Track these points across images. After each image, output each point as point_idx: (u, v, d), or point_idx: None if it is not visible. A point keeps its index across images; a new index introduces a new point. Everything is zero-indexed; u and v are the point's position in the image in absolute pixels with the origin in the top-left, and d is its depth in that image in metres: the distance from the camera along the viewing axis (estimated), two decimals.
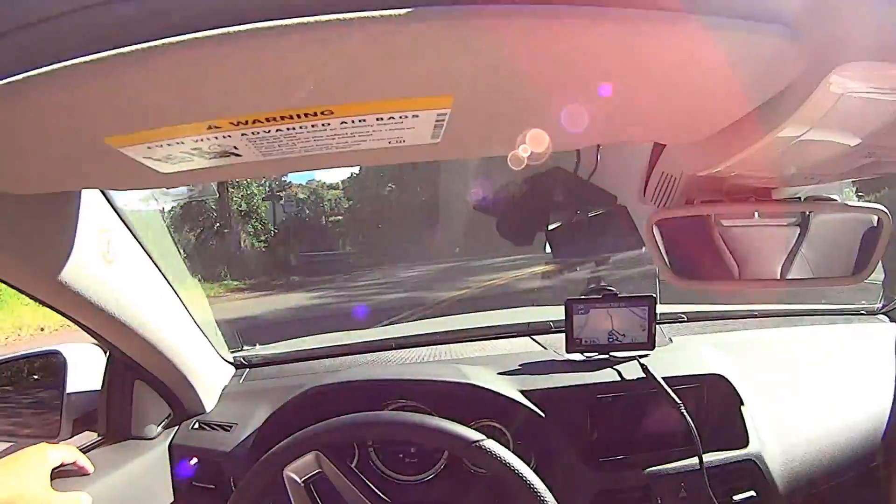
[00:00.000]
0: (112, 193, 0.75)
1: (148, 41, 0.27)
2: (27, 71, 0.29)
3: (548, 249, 0.72)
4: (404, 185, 16.00)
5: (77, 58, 0.28)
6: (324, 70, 0.30)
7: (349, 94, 0.33)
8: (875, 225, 0.64)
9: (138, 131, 0.36)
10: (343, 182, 17.17)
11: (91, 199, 0.69)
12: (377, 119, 0.36)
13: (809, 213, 0.64)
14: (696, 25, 0.31)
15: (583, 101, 0.40)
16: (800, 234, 0.65)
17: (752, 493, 0.93)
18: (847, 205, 0.62)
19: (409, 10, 0.27)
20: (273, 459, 0.80)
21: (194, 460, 0.94)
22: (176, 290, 0.93)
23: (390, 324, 2.26)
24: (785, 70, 0.36)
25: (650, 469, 0.94)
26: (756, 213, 0.64)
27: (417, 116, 0.37)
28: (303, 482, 0.81)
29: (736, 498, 0.92)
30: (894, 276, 1.17)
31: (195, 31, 0.27)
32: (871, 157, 0.53)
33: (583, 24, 0.30)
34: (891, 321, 1.24)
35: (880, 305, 1.28)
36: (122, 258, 0.76)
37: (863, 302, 1.31)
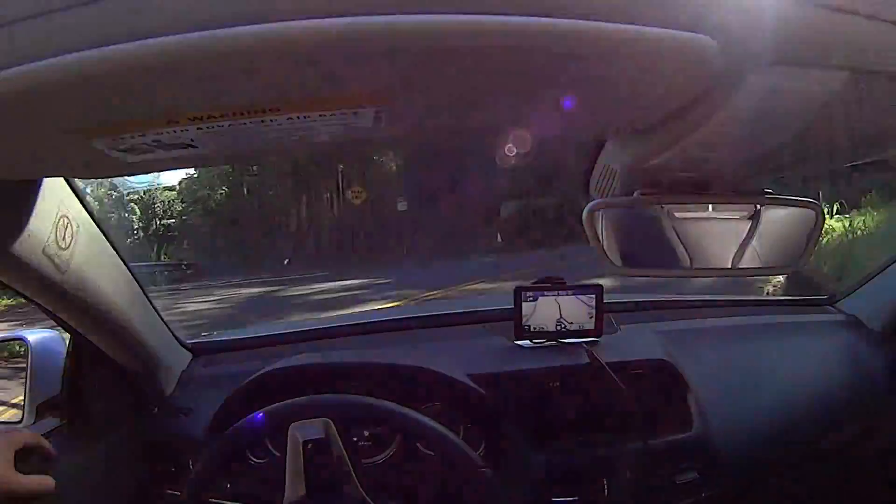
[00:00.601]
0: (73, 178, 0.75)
1: (108, 45, 0.29)
2: None
3: (499, 238, 0.74)
4: (237, 190, 14.80)
5: (39, 61, 0.29)
6: (266, 74, 0.33)
7: (290, 94, 0.36)
8: (812, 219, 0.67)
9: (103, 128, 0.38)
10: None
11: (51, 183, 0.69)
12: (320, 115, 0.39)
13: (752, 205, 0.67)
14: (617, 30, 0.32)
15: (515, 99, 0.42)
16: (746, 225, 0.68)
17: (696, 473, 0.96)
18: (780, 198, 0.65)
19: (344, 20, 0.29)
20: (284, 411, 0.81)
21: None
22: (136, 276, 0.93)
23: None
24: (702, 72, 0.37)
25: (596, 451, 0.97)
26: (693, 206, 0.67)
27: (357, 114, 0.39)
28: (302, 443, 0.81)
29: (679, 478, 0.96)
30: (840, 270, 1.23)
31: (152, 37, 0.29)
32: (800, 153, 0.56)
33: (513, 35, 0.31)
34: (838, 311, 1.29)
35: (827, 297, 1.33)
36: (82, 242, 0.75)
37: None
